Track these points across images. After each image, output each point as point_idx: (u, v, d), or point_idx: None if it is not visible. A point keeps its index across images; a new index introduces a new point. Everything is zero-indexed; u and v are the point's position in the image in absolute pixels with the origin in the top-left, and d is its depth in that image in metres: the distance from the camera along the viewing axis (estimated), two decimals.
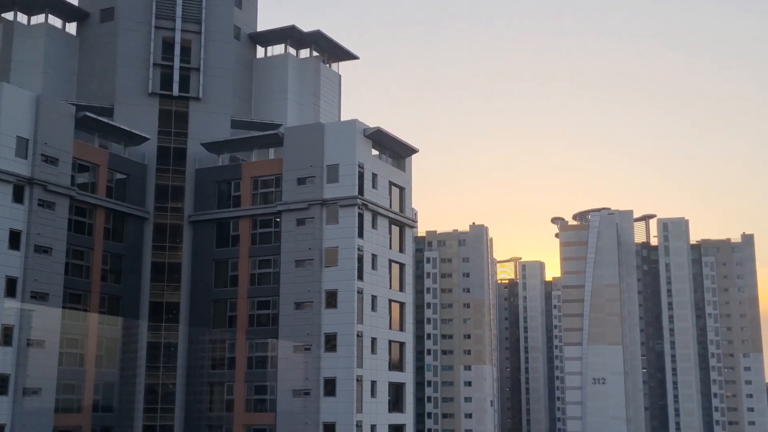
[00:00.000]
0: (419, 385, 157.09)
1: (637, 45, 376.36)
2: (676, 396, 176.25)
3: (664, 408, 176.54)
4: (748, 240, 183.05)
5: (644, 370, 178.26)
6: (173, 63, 71.07)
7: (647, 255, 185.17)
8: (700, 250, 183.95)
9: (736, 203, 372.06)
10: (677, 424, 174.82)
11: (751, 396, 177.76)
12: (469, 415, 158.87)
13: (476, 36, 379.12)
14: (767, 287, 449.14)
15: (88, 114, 63.67)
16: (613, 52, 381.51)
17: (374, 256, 65.94)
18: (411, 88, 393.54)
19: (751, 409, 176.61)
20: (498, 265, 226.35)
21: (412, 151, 72.47)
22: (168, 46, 71.51)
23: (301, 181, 65.68)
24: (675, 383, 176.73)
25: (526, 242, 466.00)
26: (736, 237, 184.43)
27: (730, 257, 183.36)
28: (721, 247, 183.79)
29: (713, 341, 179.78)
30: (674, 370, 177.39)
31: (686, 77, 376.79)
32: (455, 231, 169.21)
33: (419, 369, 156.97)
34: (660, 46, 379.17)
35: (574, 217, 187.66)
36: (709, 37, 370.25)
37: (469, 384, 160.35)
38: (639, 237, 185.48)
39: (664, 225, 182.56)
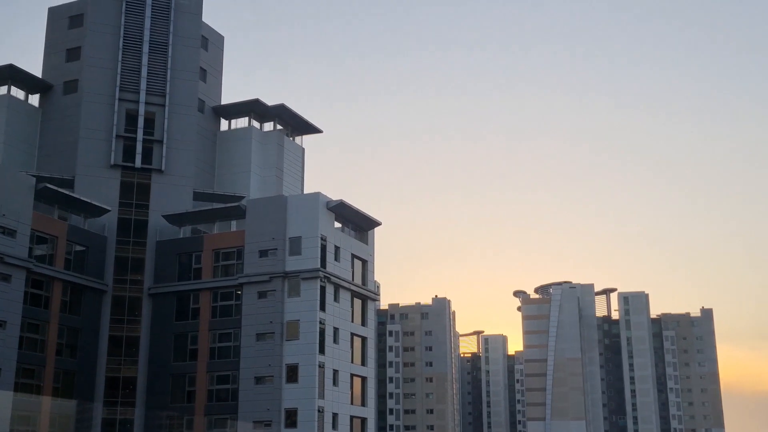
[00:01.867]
0: None
1: (593, 117, 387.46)
2: None
3: None
4: (707, 314, 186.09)
5: None
6: (136, 135, 71.20)
7: (608, 329, 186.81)
8: (660, 324, 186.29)
9: (695, 277, 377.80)
10: None
11: None
12: None
13: (441, 108, 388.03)
14: (727, 362, 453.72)
15: (48, 185, 63.08)
16: (569, 125, 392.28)
17: (336, 330, 65.36)
18: (375, 161, 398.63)
19: None
20: (461, 338, 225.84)
21: (375, 224, 72.87)
22: (131, 119, 71.81)
23: (263, 253, 65.31)
24: None
25: (488, 315, 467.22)
26: (695, 311, 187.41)
27: (690, 331, 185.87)
28: (681, 321, 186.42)
29: (675, 416, 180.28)
30: None
31: (645, 151, 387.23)
32: (418, 304, 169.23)
33: None
34: (618, 116, 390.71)
35: (536, 291, 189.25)
36: (672, 109, 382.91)
37: None
38: (600, 311, 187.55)
39: (625, 299, 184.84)
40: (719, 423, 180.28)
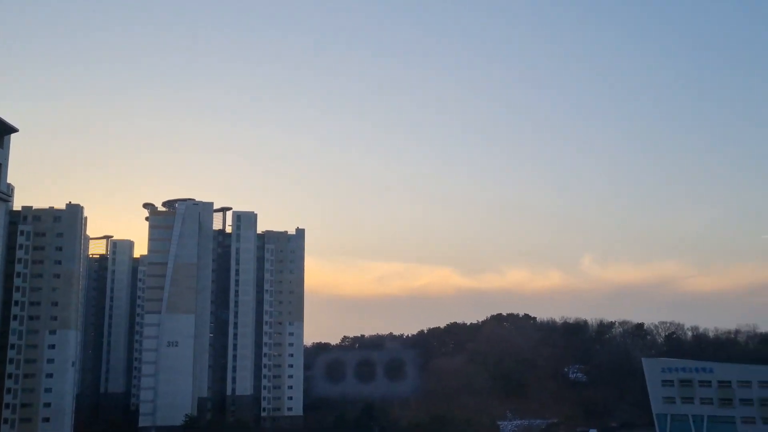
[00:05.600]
0: (2, 348, 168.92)
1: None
2: (235, 355, 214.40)
3: (225, 365, 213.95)
4: (300, 233, 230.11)
5: (211, 335, 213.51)
6: None
7: (222, 240, 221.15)
8: (264, 238, 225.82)
9: (294, 200, 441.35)
10: (234, 378, 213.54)
11: (292, 355, 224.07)
12: (50, 375, 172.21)
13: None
14: (311, 271, 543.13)
15: None
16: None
17: None
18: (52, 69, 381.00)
19: (291, 366, 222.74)
20: (92, 241, 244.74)
21: (12, 129, 74.85)
22: None
23: None
24: (235, 345, 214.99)
25: (121, 223, 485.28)
26: (292, 230, 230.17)
27: (286, 246, 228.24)
28: (280, 237, 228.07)
29: (268, 312, 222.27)
30: (235, 334, 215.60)
31: (281, 82, 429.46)
32: (51, 208, 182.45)
33: (3, 333, 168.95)
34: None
35: (164, 204, 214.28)
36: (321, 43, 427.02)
37: (53, 347, 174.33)
38: (217, 225, 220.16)
39: (238, 216, 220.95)
40: (300, 317, 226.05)
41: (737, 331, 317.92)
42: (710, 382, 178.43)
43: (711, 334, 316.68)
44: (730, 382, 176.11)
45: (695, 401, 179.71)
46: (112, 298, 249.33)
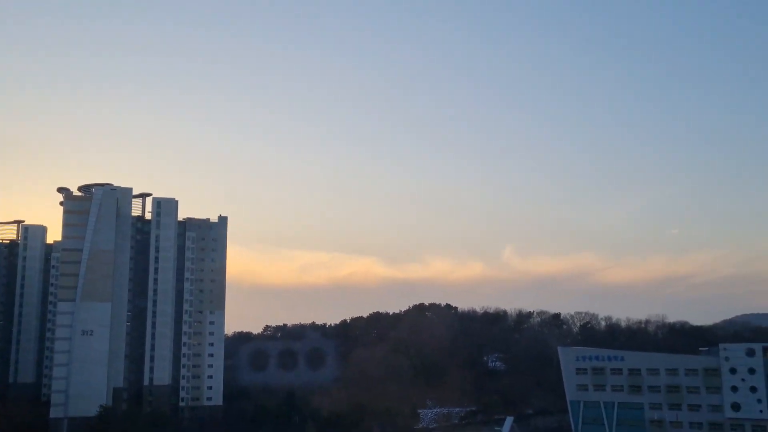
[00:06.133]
0: None
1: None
2: (153, 345, 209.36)
3: (142, 355, 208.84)
4: (223, 221, 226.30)
5: (128, 324, 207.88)
6: None
7: (141, 227, 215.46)
8: (185, 226, 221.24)
9: (216, 188, 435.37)
10: (151, 368, 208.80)
11: (212, 344, 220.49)
12: None
13: None
14: (234, 259, 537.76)
15: None
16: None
17: None
18: None
19: (211, 355, 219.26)
20: (1, 226, 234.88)
21: None
22: None
23: None
24: (153, 334, 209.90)
25: (33, 208, 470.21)
26: (214, 218, 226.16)
27: (209, 234, 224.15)
28: (202, 225, 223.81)
29: (188, 300, 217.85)
30: (154, 323, 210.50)
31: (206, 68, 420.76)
32: None
33: None
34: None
35: (80, 189, 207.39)
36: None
37: None
38: (136, 211, 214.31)
39: (158, 203, 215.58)
40: (221, 306, 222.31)
41: (647, 321, 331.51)
42: (621, 370, 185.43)
43: (623, 324, 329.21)
44: (639, 369, 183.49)
45: (607, 388, 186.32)
46: (23, 286, 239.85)
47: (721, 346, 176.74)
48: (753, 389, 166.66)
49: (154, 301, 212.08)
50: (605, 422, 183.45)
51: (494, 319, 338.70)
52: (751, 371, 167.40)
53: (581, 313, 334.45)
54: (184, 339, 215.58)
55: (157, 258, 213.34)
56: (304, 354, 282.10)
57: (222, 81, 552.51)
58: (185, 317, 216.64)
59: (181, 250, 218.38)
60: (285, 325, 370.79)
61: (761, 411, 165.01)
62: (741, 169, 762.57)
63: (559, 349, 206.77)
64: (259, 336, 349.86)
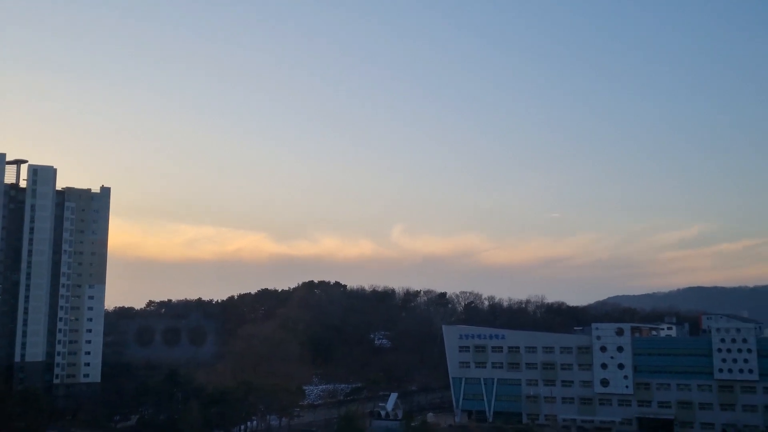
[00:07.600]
0: None
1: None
2: (26, 320, 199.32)
3: (14, 330, 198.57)
4: (105, 192, 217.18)
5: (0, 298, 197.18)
6: None
7: (15, 195, 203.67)
8: (64, 196, 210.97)
9: (100, 158, 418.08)
10: (24, 344, 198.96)
11: (91, 320, 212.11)
12: None
13: None
14: (115, 232, 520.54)
15: None
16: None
17: None
18: None
19: (89, 331, 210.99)
20: None
21: None
22: None
23: None
24: (26, 309, 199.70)
25: None
26: (96, 188, 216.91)
27: (90, 204, 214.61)
28: (83, 195, 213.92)
29: (66, 274, 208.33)
30: (27, 297, 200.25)
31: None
32: None
33: None
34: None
35: None
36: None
37: None
38: (9, 179, 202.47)
39: (34, 171, 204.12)
40: (102, 280, 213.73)
41: (528, 301, 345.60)
42: (502, 348, 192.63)
43: (505, 304, 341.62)
44: (518, 347, 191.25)
45: (487, 365, 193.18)
46: None
47: (594, 325, 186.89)
48: (620, 366, 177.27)
49: (28, 274, 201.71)
50: (485, 398, 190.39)
51: (382, 297, 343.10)
52: (620, 349, 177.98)
53: (466, 292, 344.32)
54: (61, 314, 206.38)
55: (32, 229, 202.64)
56: (188, 330, 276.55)
57: (108, 39, 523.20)
58: (62, 291, 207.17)
59: (59, 220, 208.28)
60: (170, 300, 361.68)
61: (627, 387, 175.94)
62: (619, 159, 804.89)
63: (444, 327, 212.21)
64: (142, 312, 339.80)
